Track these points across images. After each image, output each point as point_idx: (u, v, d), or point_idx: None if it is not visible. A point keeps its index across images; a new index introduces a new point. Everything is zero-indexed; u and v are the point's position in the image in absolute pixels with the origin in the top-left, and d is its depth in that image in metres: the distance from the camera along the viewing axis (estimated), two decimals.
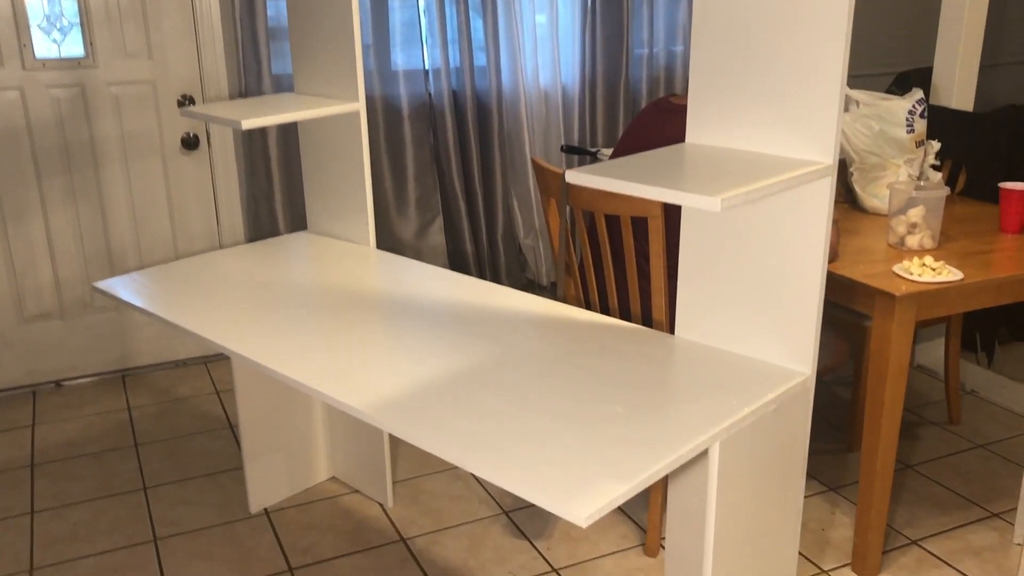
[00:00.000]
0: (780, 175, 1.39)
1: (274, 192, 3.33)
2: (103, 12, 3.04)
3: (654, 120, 2.24)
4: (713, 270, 1.65)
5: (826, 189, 1.48)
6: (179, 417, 3.07)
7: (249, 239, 3.43)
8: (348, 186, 2.31)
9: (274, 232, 3.37)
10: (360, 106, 2.19)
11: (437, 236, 3.62)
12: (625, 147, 2.30)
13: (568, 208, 2.33)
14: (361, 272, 2.12)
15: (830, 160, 1.46)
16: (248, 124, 1.98)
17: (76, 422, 3.04)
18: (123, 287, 2.06)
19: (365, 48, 3.34)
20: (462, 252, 3.67)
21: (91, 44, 3.05)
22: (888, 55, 4.00)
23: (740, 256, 1.60)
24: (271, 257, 2.26)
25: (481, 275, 3.73)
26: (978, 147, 2.88)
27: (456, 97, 3.53)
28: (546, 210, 2.39)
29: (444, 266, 3.66)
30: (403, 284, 2.04)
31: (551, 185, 2.31)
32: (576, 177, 1.44)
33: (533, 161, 2.39)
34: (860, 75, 3.85)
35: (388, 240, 3.57)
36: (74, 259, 3.22)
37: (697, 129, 1.63)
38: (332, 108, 2.14)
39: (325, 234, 2.44)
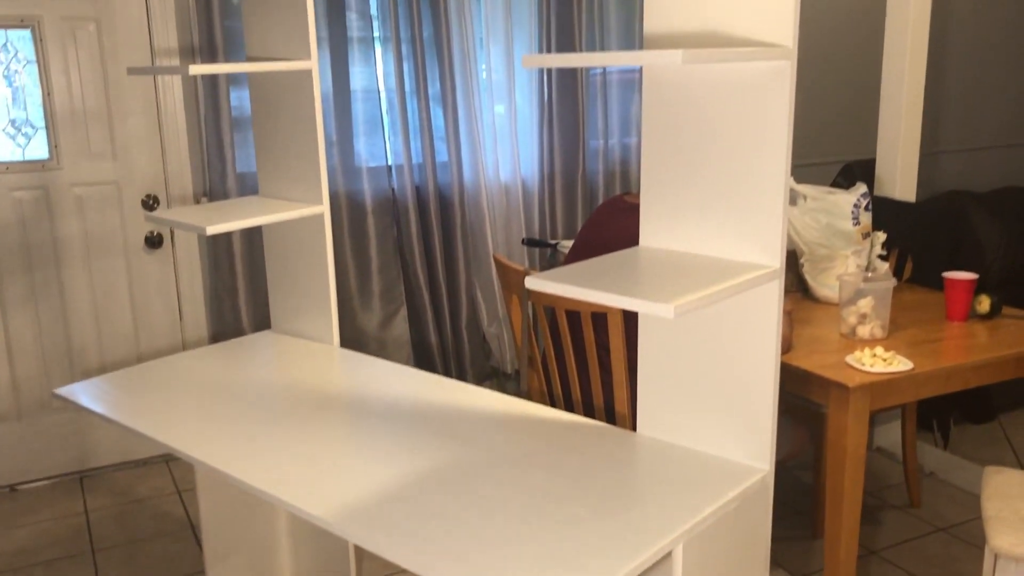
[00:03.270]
0: (730, 280, 1.44)
1: (238, 288, 3.35)
2: (68, 115, 3.09)
3: (609, 219, 2.32)
4: (671, 368, 1.69)
5: (775, 291, 1.54)
6: (139, 519, 3.01)
7: (212, 335, 3.43)
8: (312, 285, 2.34)
9: (238, 327, 3.37)
10: (324, 208, 2.24)
11: (401, 327, 3.65)
12: (582, 245, 2.37)
13: (530, 303, 2.38)
14: (324, 372, 2.13)
15: (777, 264, 1.52)
16: (213, 230, 2.01)
17: (30, 528, 2.97)
18: (84, 393, 2.05)
19: (329, 144, 3.41)
20: (426, 343, 3.69)
21: (56, 146, 3.09)
22: (834, 144, 4.17)
23: (696, 354, 1.64)
24: (235, 359, 2.26)
25: (446, 365, 3.74)
26: (922, 236, 2.99)
27: (419, 191, 3.60)
28: (508, 305, 2.43)
29: (408, 357, 3.67)
30: (367, 384, 2.05)
31: (513, 282, 2.36)
32: (535, 283, 1.49)
33: (495, 258, 2.44)
34: (807, 164, 4.00)
35: (352, 332, 3.58)
36: (33, 359, 3.19)
37: (649, 232, 1.69)
38: (296, 212, 2.18)
39: (289, 333, 2.45)
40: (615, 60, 1.33)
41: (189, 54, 3.20)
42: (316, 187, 2.24)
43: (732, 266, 1.54)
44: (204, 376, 2.13)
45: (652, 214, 1.68)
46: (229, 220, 2.06)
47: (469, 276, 3.73)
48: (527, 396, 2.52)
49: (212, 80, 3.17)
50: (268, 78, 2.27)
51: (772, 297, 1.54)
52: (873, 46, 4.05)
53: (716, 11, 1.54)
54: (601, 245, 2.29)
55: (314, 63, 2.15)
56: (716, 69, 1.54)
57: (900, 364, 2.08)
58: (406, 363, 3.65)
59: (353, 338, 3.57)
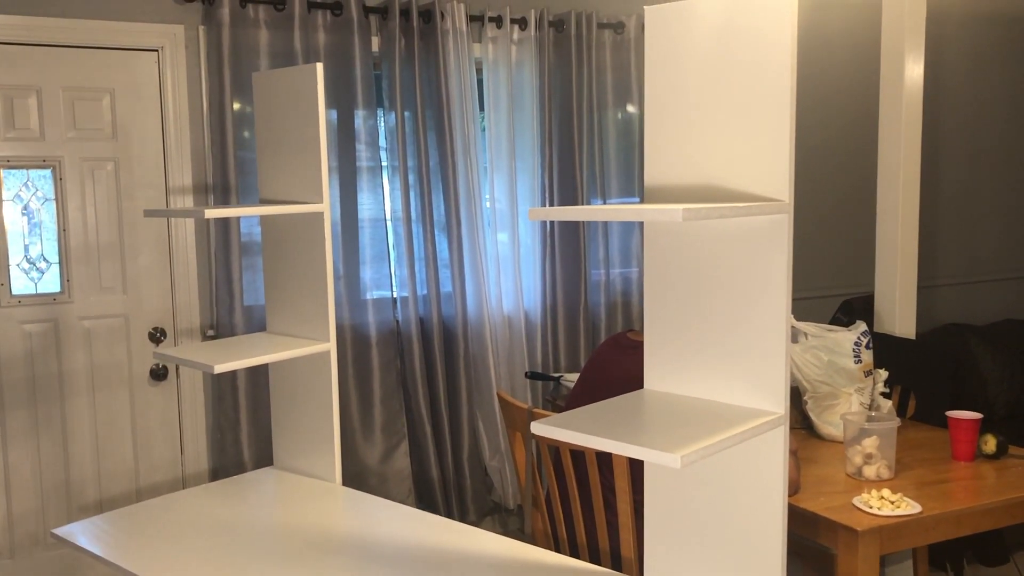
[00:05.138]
0: (736, 428, 1.45)
1: (240, 421, 3.33)
2: (83, 250, 3.16)
3: (613, 357, 2.34)
4: (677, 514, 1.67)
5: (780, 436, 1.54)
6: None
7: (213, 469, 3.39)
8: (316, 423, 2.34)
9: (239, 462, 3.34)
10: (331, 346, 2.26)
11: (402, 460, 3.61)
12: (587, 384, 2.38)
13: (534, 441, 2.37)
14: (326, 514, 2.11)
15: (782, 410, 1.53)
16: (221, 368, 2.03)
17: None
18: (83, 534, 2.02)
19: (336, 278, 3.47)
20: (427, 476, 3.65)
21: (68, 280, 3.15)
22: (834, 277, 4.24)
23: (702, 499, 1.63)
24: (236, 498, 2.24)
25: (447, 499, 3.68)
26: (924, 372, 3.00)
27: (423, 323, 3.64)
28: (512, 443, 2.43)
29: (409, 491, 3.62)
30: (369, 527, 2.02)
31: (517, 419, 2.36)
32: (541, 429, 1.49)
33: (499, 395, 2.45)
34: (807, 297, 4.06)
35: (353, 465, 3.54)
36: (31, 494, 3.15)
37: (653, 376, 1.71)
38: (303, 349, 2.21)
39: (291, 470, 2.43)
40: (617, 215, 1.38)
41: (203, 191, 3.30)
42: (324, 325, 2.27)
43: (737, 412, 1.54)
44: (205, 516, 2.11)
45: (656, 358, 1.71)
46: (237, 358, 2.08)
47: (472, 408, 3.72)
48: (531, 537, 2.48)
49: None
50: (280, 217, 2.34)
51: (778, 442, 1.54)
52: (867, 181, 4.18)
53: (714, 167, 1.60)
54: (605, 384, 2.30)
55: (326, 206, 2.22)
56: (715, 221, 1.59)
57: (908, 507, 2.06)
58: (407, 497, 3.60)
59: (354, 472, 3.53)
